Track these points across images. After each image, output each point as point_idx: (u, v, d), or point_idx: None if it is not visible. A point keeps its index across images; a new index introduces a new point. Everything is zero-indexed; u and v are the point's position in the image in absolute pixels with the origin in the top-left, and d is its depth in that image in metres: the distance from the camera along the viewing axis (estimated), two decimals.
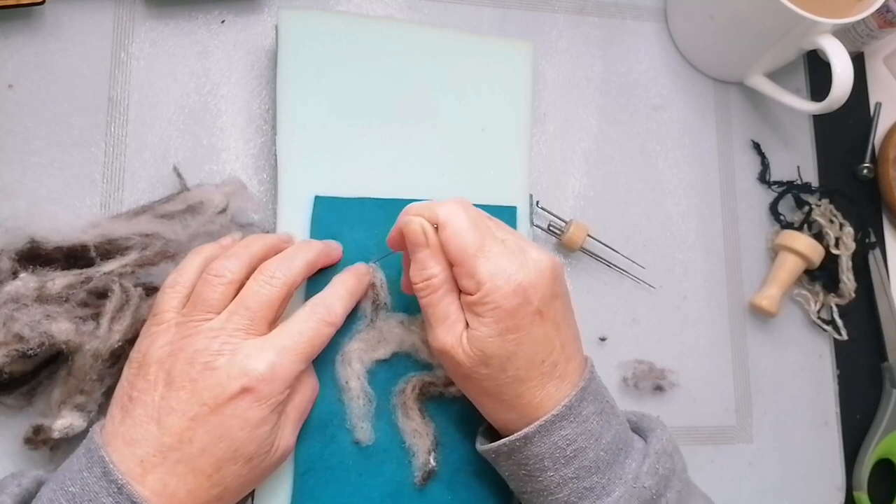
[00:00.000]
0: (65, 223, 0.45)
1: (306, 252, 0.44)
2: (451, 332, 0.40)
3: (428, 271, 0.41)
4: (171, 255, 0.44)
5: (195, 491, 0.37)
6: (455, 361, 0.40)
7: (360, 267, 0.47)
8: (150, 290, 0.44)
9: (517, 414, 0.41)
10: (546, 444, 0.40)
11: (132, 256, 0.44)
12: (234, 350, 0.39)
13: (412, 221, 0.41)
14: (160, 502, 0.37)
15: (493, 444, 0.42)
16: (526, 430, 0.40)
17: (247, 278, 0.42)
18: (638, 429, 0.45)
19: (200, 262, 0.42)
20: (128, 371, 0.40)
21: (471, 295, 0.39)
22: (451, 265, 0.41)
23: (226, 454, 0.38)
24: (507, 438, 0.41)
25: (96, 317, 0.43)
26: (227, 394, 0.38)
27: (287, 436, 0.41)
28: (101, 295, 0.43)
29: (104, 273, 0.43)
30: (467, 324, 0.40)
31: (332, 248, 0.47)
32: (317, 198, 0.48)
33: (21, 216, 0.45)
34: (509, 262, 0.39)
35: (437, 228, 0.41)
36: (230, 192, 0.48)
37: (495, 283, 0.39)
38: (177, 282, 0.41)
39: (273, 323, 0.42)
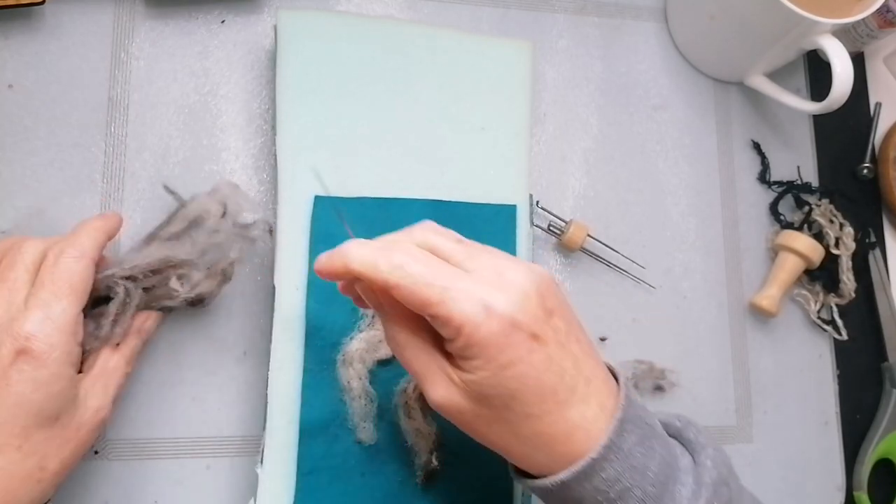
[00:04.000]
0: None
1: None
2: (438, 385, 0.36)
3: (388, 332, 0.38)
4: (174, 264, 0.44)
5: (8, 466, 0.36)
6: (455, 412, 0.37)
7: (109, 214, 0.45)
8: (148, 290, 0.44)
9: (544, 454, 0.36)
10: (586, 489, 0.35)
11: (134, 262, 0.44)
12: (1, 321, 0.38)
13: (360, 287, 0.38)
14: None
15: (527, 481, 0.37)
16: (561, 475, 0.35)
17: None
18: (684, 440, 0.39)
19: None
20: None
21: (453, 342, 0.35)
22: (418, 316, 0.36)
23: (28, 420, 0.37)
24: (539, 481, 0.36)
25: (98, 318, 0.43)
26: (5, 362, 0.37)
27: (98, 395, 0.40)
28: (102, 298, 0.43)
29: (106, 275, 0.43)
30: (458, 367, 0.36)
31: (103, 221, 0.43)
32: (317, 198, 0.48)
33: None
34: (486, 293, 0.34)
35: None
36: (224, 196, 0.47)
37: (474, 321, 0.34)
38: None
39: None
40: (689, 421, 0.40)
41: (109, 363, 0.42)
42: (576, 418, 0.35)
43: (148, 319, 0.45)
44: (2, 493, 0.36)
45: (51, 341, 0.37)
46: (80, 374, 0.40)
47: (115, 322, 0.43)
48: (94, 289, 0.42)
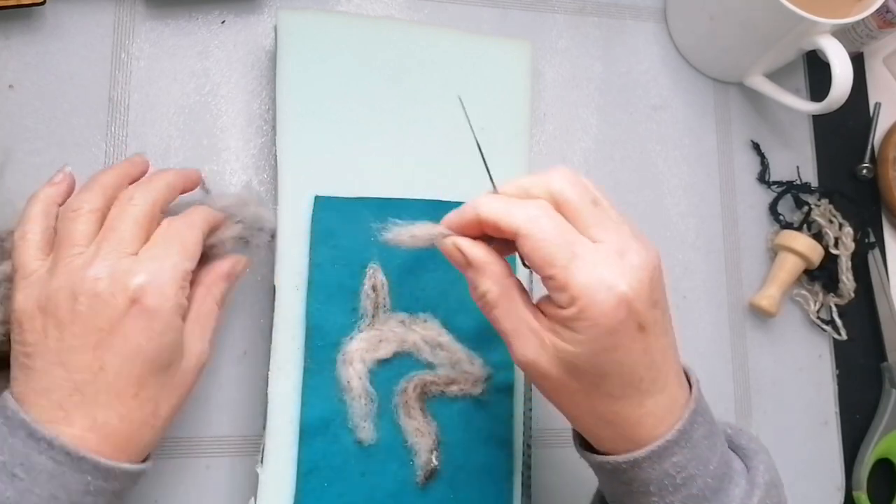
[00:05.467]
0: None
1: (164, 175, 0.43)
2: (528, 345, 0.36)
3: (479, 290, 0.37)
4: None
5: (127, 415, 0.37)
6: (539, 375, 0.36)
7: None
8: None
9: (613, 431, 0.37)
10: (656, 470, 0.36)
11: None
12: (112, 272, 0.37)
13: (445, 244, 0.38)
14: (96, 438, 0.36)
15: (596, 457, 0.38)
16: (636, 454, 0.36)
17: (107, 209, 0.40)
18: (736, 447, 0.41)
19: (42, 206, 0.41)
20: (14, 333, 0.38)
21: (563, 309, 0.34)
22: (511, 274, 0.37)
23: (143, 369, 0.37)
24: (612, 458, 0.37)
25: None
26: (119, 311, 0.37)
27: (197, 340, 0.41)
28: None
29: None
30: (556, 334, 0.35)
31: (191, 173, 0.45)
32: (317, 198, 0.48)
33: None
34: (609, 271, 0.34)
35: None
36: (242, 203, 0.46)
37: (593, 297, 0.34)
38: (26, 230, 0.40)
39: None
40: (741, 429, 0.42)
41: (203, 307, 0.42)
42: (650, 407, 0.36)
43: (238, 264, 0.45)
44: (121, 439, 0.37)
45: (164, 292, 0.38)
46: (187, 325, 0.41)
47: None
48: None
